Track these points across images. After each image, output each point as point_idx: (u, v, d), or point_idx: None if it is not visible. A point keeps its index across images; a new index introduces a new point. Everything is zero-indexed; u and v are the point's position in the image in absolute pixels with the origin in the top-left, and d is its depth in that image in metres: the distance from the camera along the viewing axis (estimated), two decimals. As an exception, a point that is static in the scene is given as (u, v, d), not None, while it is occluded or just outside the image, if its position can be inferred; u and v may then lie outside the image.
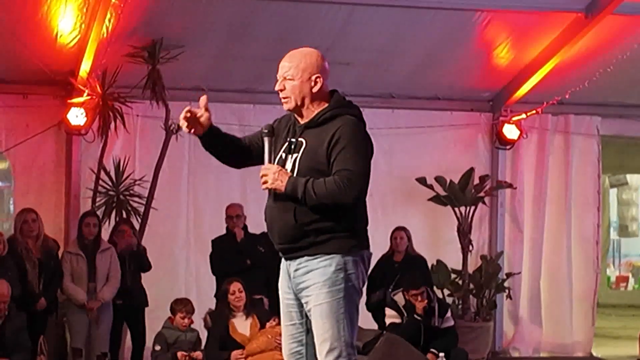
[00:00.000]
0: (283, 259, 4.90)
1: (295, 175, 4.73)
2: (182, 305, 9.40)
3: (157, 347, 9.25)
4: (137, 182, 10.57)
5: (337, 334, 4.71)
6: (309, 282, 4.75)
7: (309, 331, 4.83)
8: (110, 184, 10.52)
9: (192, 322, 9.41)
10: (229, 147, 4.97)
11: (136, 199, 10.52)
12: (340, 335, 4.71)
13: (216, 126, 4.89)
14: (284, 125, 4.95)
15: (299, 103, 4.83)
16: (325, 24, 10.11)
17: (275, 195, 4.80)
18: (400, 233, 10.70)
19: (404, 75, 11.35)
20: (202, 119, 4.81)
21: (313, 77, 4.79)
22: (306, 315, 4.84)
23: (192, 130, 4.82)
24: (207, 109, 4.83)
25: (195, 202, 11.37)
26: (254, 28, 10.16)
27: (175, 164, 11.06)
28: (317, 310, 4.73)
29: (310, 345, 4.84)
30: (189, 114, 4.78)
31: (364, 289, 4.98)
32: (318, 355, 4.78)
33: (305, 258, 4.75)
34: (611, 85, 11.37)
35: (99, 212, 10.31)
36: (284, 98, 4.85)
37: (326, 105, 4.82)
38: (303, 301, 4.81)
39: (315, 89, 4.80)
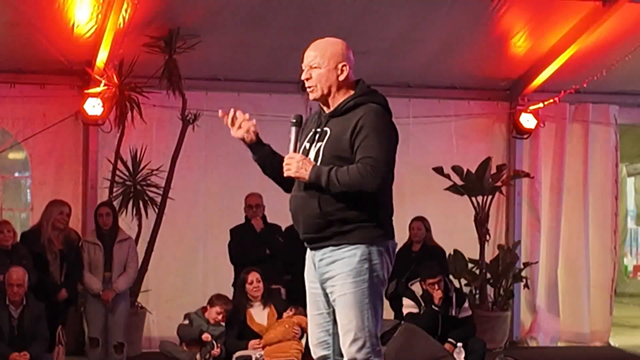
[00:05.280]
0: (308, 249, 4.87)
1: (319, 163, 4.72)
2: (222, 301, 9.29)
3: (185, 322, 9.27)
4: (154, 172, 10.56)
5: (361, 324, 4.69)
6: (333, 272, 4.73)
7: (335, 321, 4.80)
8: (127, 174, 10.52)
9: (224, 321, 9.32)
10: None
11: (153, 189, 10.52)
12: (364, 326, 4.70)
13: (268, 144, 4.91)
14: (311, 119, 4.95)
15: (325, 92, 4.82)
16: (342, 12, 10.08)
17: (299, 184, 4.79)
18: (418, 223, 10.68)
19: (420, 64, 11.31)
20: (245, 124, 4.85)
21: (339, 66, 4.79)
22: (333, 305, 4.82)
23: (239, 134, 4.87)
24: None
25: (212, 192, 11.36)
26: (271, 17, 10.14)
27: (192, 154, 11.05)
28: (342, 301, 4.71)
29: (337, 335, 4.80)
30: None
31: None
32: (342, 346, 4.76)
33: (330, 248, 4.73)
34: (629, 74, 11.30)
35: (116, 203, 10.33)
36: (310, 87, 4.84)
37: (351, 93, 4.80)
38: (328, 291, 4.79)
39: (341, 77, 4.79)
